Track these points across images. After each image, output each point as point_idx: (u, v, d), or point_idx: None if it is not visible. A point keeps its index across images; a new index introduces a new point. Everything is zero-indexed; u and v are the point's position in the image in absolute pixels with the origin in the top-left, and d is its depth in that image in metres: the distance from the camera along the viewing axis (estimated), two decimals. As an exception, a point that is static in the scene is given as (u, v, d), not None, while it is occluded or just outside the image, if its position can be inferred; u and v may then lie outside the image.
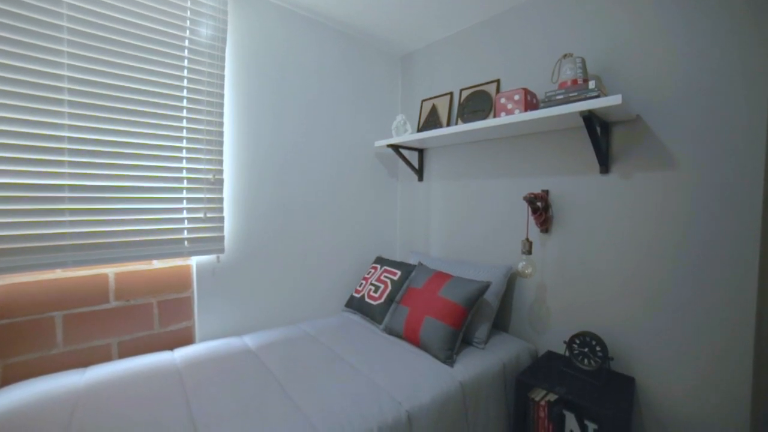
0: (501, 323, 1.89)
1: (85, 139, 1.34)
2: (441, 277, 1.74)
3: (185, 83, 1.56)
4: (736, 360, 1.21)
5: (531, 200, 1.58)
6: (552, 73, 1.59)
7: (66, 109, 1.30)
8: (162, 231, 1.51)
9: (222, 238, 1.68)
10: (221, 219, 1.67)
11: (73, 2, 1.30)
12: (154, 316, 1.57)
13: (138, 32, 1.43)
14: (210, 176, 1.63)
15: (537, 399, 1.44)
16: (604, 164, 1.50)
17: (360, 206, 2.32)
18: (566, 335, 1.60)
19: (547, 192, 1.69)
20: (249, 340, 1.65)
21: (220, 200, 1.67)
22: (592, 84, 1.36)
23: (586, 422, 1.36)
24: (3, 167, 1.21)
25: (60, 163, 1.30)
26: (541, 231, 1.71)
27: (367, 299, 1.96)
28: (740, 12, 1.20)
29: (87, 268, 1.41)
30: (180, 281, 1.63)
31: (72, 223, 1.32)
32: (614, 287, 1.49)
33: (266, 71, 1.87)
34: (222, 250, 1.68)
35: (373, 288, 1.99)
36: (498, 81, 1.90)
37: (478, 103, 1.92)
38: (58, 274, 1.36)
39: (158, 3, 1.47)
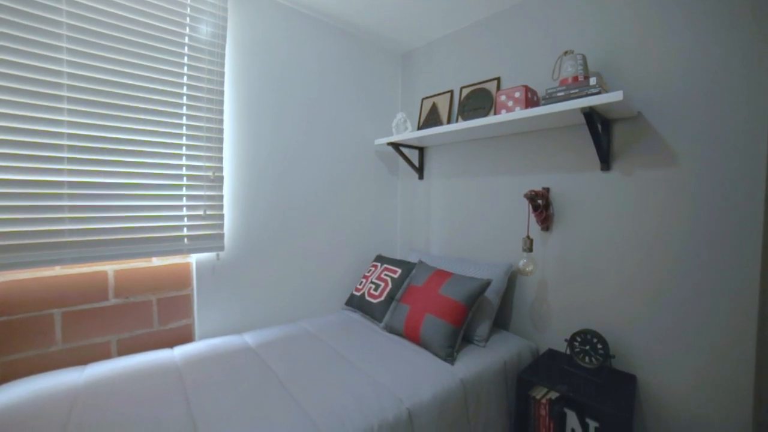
0: (502, 321, 1.88)
1: (84, 135, 1.34)
2: (442, 274, 1.73)
3: (185, 80, 1.55)
4: (738, 358, 1.21)
5: (532, 197, 1.57)
6: (553, 71, 1.58)
7: (65, 105, 1.30)
8: (161, 228, 1.50)
9: (222, 236, 1.67)
10: (221, 216, 1.67)
11: (72, -2, 1.30)
12: (154, 313, 1.56)
13: (137, 28, 1.43)
14: (210, 173, 1.63)
15: (538, 397, 1.43)
16: (605, 161, 1.50)
17: (360, 204, 2.31)
18: (567, 333, 1.60)
19: (547, 189, 1.69)
20: (249, 338, 1.65)
21: (220, 197, 1.67)
22: (593, 81, 1.35)
23: (588, 420, 1.35)
24: (1, 163, 1.20)
25: (59, 160, 1.30)
26: (542, 229, 1.70)
27: (367, 297, 1.96)
28: (741, 9, 1.20)
29: (86, 265, 1.40)
30: (180, 279, 1.63)
31: (71, 220, 1.32)
32: (615, 285, 1.49)
33: (267, 69, 1.87)
34: (222, 248, 1.68)
35: (373, 286, 1.98)
36: (498, 79, 1.90)
37: (478, 101, 1.91)
38: (57, 271, 1.35)
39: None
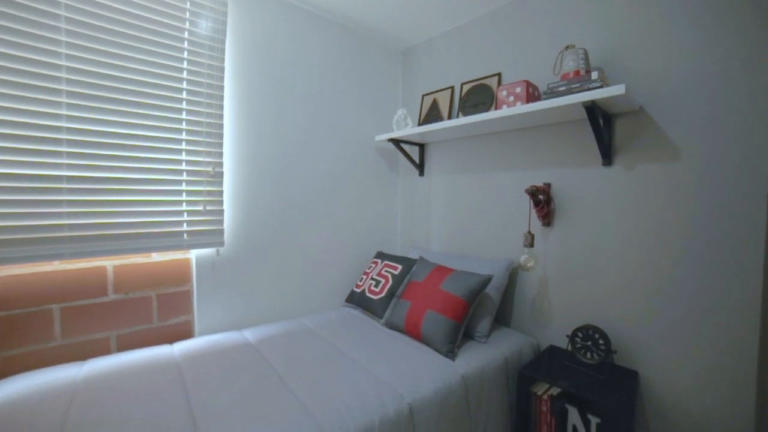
0: (503, 318, 1.88)
1: (83, 130, 1.33)
2: (442, 270, 1.73)
3: (185, 74, 1.55)
4: (741, 354, 1.20)
5: (533, 193, 1.57)
6: (554, 66, 1.57)
7: (64, 99, 1.29)
8: (161, 223, 1.50)
9: (222, 232, 1.66)
10: (221, 212, 1.66)
11: (71, -9, 1.29)
12: (153, 309, 1.56)
13: (137, 23, 1.42)
14: (210, 169, 1.62)
15: (539, 393, 1.43)
16: (607, 156, 1.49)
17: (361, 201, 2.30)
18: (568, 330, 1.59)
19: (549, 185, 1.68)
20: (249, 334, 1.64)
21: (220, 193, 1.66)
22: (594, 75, 1.35)
23: (589, 416, 1.34)
24: (0, 157, 1.19)
25: (58, 154, 1.29)
26: (543, 224, 1.70)
27: (367, 294, 1.95)
28: (743, 6, 1.19)
29: (85, 260, 1.40)
30: (179, 275, 1.62)
31: (70, 215, 1.31)
32: (617, 280, 1.48)
33: (267, 64, 1.86)
34: (221, 244, 1.67)
35: (373, 282, 1.98)
36: (499, 74, 1.89)
37: (479, 97, 1.90)
38: (56, 266, 1.35)
39: (157, -7, 1.46)
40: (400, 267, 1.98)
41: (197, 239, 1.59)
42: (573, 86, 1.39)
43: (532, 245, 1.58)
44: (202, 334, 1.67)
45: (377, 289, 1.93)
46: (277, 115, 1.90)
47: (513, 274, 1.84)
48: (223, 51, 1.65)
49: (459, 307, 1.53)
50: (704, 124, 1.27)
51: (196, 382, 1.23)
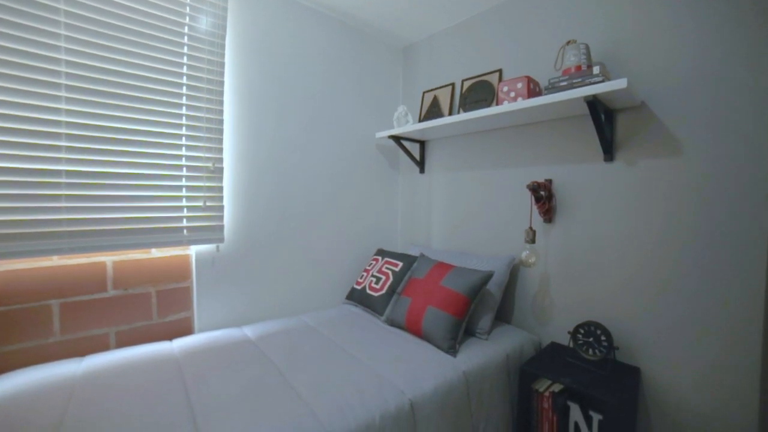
0: (504, 315, 1.87)
1: (82, 124, 1.32)
2: (443, 267, 1.72)
3: (185, 69, 1.54)
4: (745, 352, 1.19)
5: (534, 188, 1.56)
6: (555, 61, 1.57)
7: (63, 93, 1.28)
8: (160, 219, 1.49)
9: (221, 228, 1.66)
10: (221, 208, 1.65)
11: (70, -15, 1.28)
12: (153, 305, 1.55)
13: (136, 17, 1.41)
14: (209, 164, 1.61)
15: (541, 390, 1.42)
16: (609, 152, 1.48)
17: (361, 198, 2.30)
18: (570, 326, 1.58)
19: (550, 181, 1.67)
20: (249, 331, 1.63)
21: (220, 189, 1.65)
22: (596, 69, 1.34)
23: (591, 413, 1.34)
24: (-1, 151, 1.19)
25: (57, 148, 1.28)
26: (545, 221, 1.69)
27: (368, 291, 1.94)
28: (745, 2, 1.18)
29: (84, 255, 1.39)
30: (179, 271, 1.61)
31: (69, 209, 1.30)
32: (619, 277, 1.47)
33: (267, 61, 1.85)
34: (221, 240, 1.66)
35: (374, 279, 1.97)
36: (500, 71, 1.89)
37: (480, 93, 1.90)
38: (55, 261, 1.34)
39: (157, -12, 1.45)
40: (400, 264, 1.97)
41: (197, 235, 1.58)
42: (574, 81, 1.38)
43: (533, 241, 1.57)
44: (201, 330, 1.66)
45: (378, 286, 1.92)
46: (277, 112, 1.90)
47: (514, 271, 1.83)
48: (223, 46, 1.64)
49: (460, 304, 1.52)
50: (707, 119, 1.26)
51: (196, 378, 1.22)
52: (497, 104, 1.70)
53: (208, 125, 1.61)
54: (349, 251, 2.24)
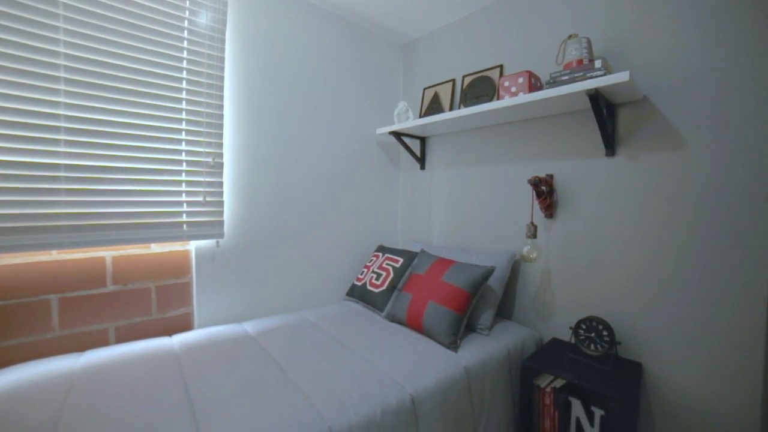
0: (505, 311, 1.86)
1: (82, 118, 1.32)
2: (444, 262, 1.71)
3: (184, 64, 1.53)
4: (748, 348, 1.18)
5: (536, 183, 1.55)
6: (557, 56, 1.56)
7: (62, 87, 1.28)
8: (160, 214, 1.48)
9: (221, 223, 1.65)
10: (221, 203, 1.65)
11: (69, -22, 1.27)
12: (152, 301, 1.54)
13: (136, 11, 1.41)
14: (209, 159, 1.60)
15: (543, 385, 1.41)
16: (610, 147, 1.48)
17: (362, 195, 2.29)
18: (571, 322, 1.57)
19: (551, 176, 1.67)
20: (249, 327, 1.63)
21: (220, 184, 1.64)
22: (598, 63, 1.33)
23: (593, 408, 1.33)
24: (-3, 144, 1.18)
25: (56, 142, 1.27)
26: (546, 216, 1.68)
27: (368, 287, 1.94)
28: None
29: (83, 250, 1.38)
30: (178, 266, 1.60)
31: (68, 204, 1.30)
32: (621, 272, 1.47)
33: (268, 57, 1.85)
34: (221, 235, 1.65)
35: (375, 276, 1.96)
36: (501, 66, 1.88)
37: (480, 89, 1.89)
38: (54, 255, 1.33)
39: (157, -18, 1.45)
40: (401, 260, 1.97)
41: (197, 230, 1.58)
42: (576, 75, 1.38)
43: (534, 236, 1.57)
44: (201, 326, 1.66)
45: (378, 282, 1.91)
46: (277, 108, 1.89)
47: (515, 266, 1.82)
48: (223, 41, 1.64)
49: (461, 299, 1.52)
50: (709, 113, 1.26)
51: (196, 373, 1.21)
52: (498, 99, 1.69)
53: (208, 120, 1.60)
54: (349, 247, 2.23)
